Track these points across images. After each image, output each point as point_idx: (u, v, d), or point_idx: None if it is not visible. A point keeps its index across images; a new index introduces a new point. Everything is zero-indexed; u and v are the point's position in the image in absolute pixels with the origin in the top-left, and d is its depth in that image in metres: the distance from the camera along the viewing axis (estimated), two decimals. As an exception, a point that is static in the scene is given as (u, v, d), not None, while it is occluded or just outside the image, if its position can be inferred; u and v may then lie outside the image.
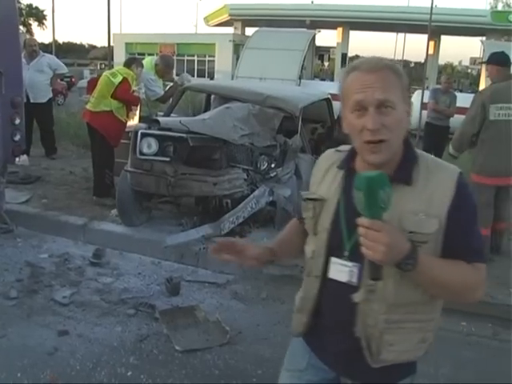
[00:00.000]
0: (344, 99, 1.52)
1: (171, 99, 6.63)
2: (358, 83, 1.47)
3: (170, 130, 4.92)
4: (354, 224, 1.37)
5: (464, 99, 9.33)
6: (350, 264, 1.53)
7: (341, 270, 1.55)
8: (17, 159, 5.63)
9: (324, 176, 1.65)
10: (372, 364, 1.54)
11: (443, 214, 1.46)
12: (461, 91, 19.04)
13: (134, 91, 6.06)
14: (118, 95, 5.86)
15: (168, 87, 6.95)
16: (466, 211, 1.49)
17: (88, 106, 6.12)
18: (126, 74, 5.93)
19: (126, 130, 5.93)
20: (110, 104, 5.89)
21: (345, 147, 1.65)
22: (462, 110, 9.06)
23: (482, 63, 5.71)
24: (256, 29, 22.90)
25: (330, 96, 6.99)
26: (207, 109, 6.59)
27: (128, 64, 6.17)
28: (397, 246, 1.34)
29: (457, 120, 9.02)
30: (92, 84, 6.65)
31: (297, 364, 1.78)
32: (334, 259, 1.57)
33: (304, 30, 25.45)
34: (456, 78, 38.35)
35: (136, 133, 4.93)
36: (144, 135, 4.90)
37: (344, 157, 1.63)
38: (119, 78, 5.88)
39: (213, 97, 6.75)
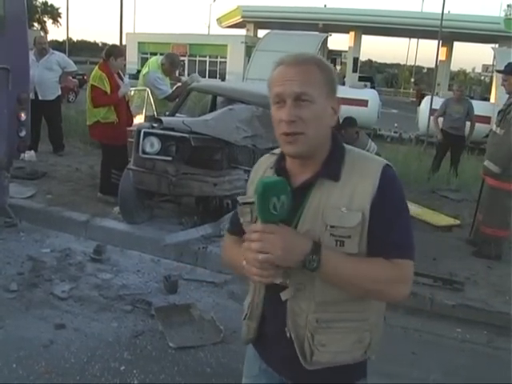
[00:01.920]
0: (269, 92, 1.54)
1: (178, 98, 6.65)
2: (280, 76, 1.48)
3: (172, 129, 4.97)
4: (288, 218, 1.39)
5: (476, 106, 9.31)
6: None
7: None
8: (24, 155, 5.71)
9: (260, 177, 1.62)
10: (307, 366, 1.51)
11: (366, 206, 1.43)
12: (472, 98, 18.98)
13: (115, 85, 5.85)
14: (94, 104, 5.83)
15: (176, 86, 6.96)
16: (389, 205, 1.45)
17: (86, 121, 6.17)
18: (93, 79, 5.81)
19: (130, 128, 5.95)
20: (95, 114, 5.87)
21: (279, 149, 1.62)
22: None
23: (497, 72, 5.68)
24: (268, 31, 22.96)
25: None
26: (212, 110, 6.63)
27: (107, 56, 5.90)
28: (295, 246, 1.35)
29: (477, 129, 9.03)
30: None
31: (251, 370, 1.77)
32: None
33: (315, 33, 25.47)
34: (468, 84, 38.21)
35: (139, 132, 4.98)
36: (147, 134, 4.95)
37: (277, 157, 1.62)
38: (89, 88, 5.86)
39: (218, 98, 6.80)
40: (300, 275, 1.44)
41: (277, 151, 1.65)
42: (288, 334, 1.51)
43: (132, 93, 6.46)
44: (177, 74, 7.41)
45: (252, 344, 1.72)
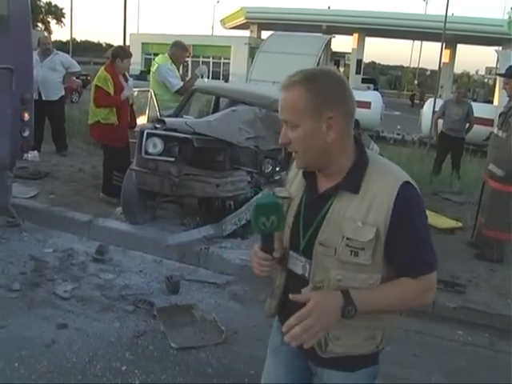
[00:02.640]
0: None
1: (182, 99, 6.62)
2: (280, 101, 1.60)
3: (175, 130, 4.98)
4: (310, 221, 1.61)
5: (478, 109, 9.30)
6: (303, 259, 1.65)
7: (296, 264, 1.68)
8: (27, 155, 5.72)
9: (296, 175, 1.76)
10: (321, 355, 1.64)
11: (381, 222, 1.51)
12: (475, 101, 18.95)
13: (119, 86, 5.87)
14: (96, 105, 5.85)
15: (187, 80, 6.88)
16: (405, 225, 1.52)
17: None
18: (98, 79, 5.83)
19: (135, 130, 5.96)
20: (97, 114, 5.89)
21: None
22: (476, 120, 9.10)
23: (498, 75, 5.69)
24: (271, 32, 22.97)
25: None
26: (216, 111, 6.64)
27: (114, 56, 5.92)
28: (331, 312, 1.48)
29: (478, 131, 9.02)
30: None
31: (274, 341, 1.90)
32: (291, 253, 1.70)
33: (319, 34, 25.46)
34: (472, 87, 38.17)
35: (142, 132, 4.99)
36: (149, 135, 4.96)
37: None
38: (93, 87, 5.88)
39: (221, 99, 6.81)
40: (319, 275, 1.59)
41: None
42: None
43: (136, 93, 6.44)
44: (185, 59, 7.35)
45: (278, 318, 1.86)
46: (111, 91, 5.79)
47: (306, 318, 1.45)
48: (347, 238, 1.52)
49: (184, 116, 6.29)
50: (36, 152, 7.41)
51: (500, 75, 5.53)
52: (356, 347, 1.64)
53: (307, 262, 1.62)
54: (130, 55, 6.14)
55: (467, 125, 8.88)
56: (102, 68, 5.96)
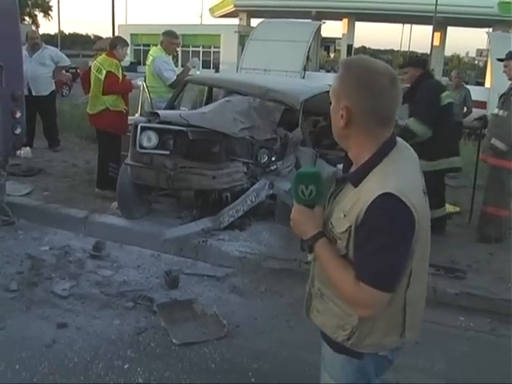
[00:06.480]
0: None
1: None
2: None
3: (169, 123, 4.92)
4: (329, 200, 1.76)
5: (470, 91, 9.28)
6: None
7: None
8: (19, 151, 5.66)
9: None
10: (307, 318, 1.85)
11: (353, 221, 1.56)
12: (466, 83, 18.88)
13: (124, 76, 5.99)
14: (107, 91, 5.81)
15: (179, 72, 6.81)
16: (365, 231, 1.53)
17: (88, 110, 6.14)
18: (109, 65, 5.83)
19: (128, 122, 5.91)
20: (104, 102, 5.85)
21: None
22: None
23: (498, 60, 5.68)
24: (261, 20, 22.80)
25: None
26: (209, 102, 6.57)
27: (113, 46, 6.00)
28: (301, 225, 1.68)
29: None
30: (85, 80, 6.54)
31: None
32: None
33: (309, 21, 25.32)
34: (462, 69, 38.11)
35: (136, 126, 4.93)
36: (144, 128, 4.91)
37: None
38: (104, 73, 5.81)
39: (215, 90, 6.74)
40: None
41: None
42: (307, 288, 1.86)
43: (140, 83, 6.37)
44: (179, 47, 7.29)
45: None
46: (121, 78, 5.87)
47: (293, 211, 1.69)
48: (331, 224, 1.65)
49: (179, 108, 6.22)
50: (28, 148, 7.35)
51: (500, 60, 5.54)
52: (329, 328, 1.74)
53: None
54: (127, 43, 6.27)
55: (465, 109, 8.88)
56: (105, 56, 5.96)
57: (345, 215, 1.58)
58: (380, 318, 1.64)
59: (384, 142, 1.61)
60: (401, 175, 1.58)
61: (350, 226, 1.55)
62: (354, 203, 1.56)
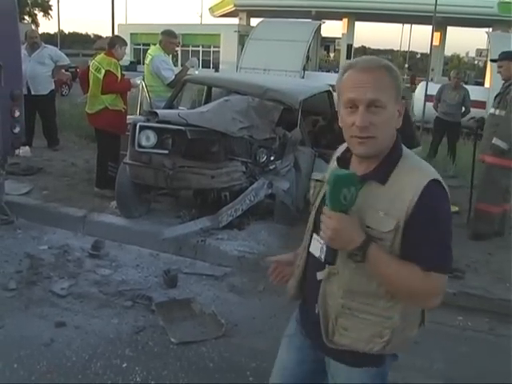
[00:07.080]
0: (339, 95, 1.61)
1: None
2: (352, 81, 1.55)
3: (168, 122, 4.92)
4: None
5: (470, 91, 9.32)
6: (322, 241, 1.62)
7: (316, 246, 1.69)
8: (18, 150, 5.66)
9: (333, 162, 1.81)
10: (328, 344, 1.67)
11: (403, 216, 1.50)
12: (466, 83, 18.90)
13: (123, 75, 5.99)
14: (105, 90, 5.81)
15: (178, 72, 6.82)
16: (426, 219, 1.50)
17: (86, 109, 6.14)
18: (108, 64, 5.83)
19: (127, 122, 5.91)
20: (103, 101, 5.85)
21: None
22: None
23: (492, 61, 5.72)
24: (261, 19, 22.79)
25: (331, 88, 6.96)
26: (208, 101, 6.57)
27: (112, 45, 6.01)
28: (346, 234, 1.50)
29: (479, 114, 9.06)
30: (83, 79, 6.56)
31: (290, 329, 1.95)
32: (314, 235, 1.71)
33: (309, 20, 25.29)
34: (462, 69, 38.12)
35: (134, 125, 4.93)
36: (142, 128, 4.91)
37: (345, 148, 1.74)
38: (103, 73, 5.81)
39: (214, 89, 6.74)
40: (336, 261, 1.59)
41: None
42: (316, 311, 1.68)
43: (139, 81, 6.38)
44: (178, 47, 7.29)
45: (299, 305, 1.92)
46: (119, 77, 5.87)
47: (329, 217, 1.51)
48: (367, 227, 1.53)
49: (178, 107, 6.22)
50: (27, 147, 7.35)
51: (493, 61, 5.55)
52: (362, 342, 1.62)
53: (325, 244, 1.61)
54: (126, 43, 6.27)
55: (463, 109, 8.93)
56: (104, 55, 5.97)
57: (385, 213, 1.52)
58: (411, 310, 1.64)
59: (397, 136, 1.63)
60: (424, 162, 1.64)
61: (398, 223, 1.51)
62: (391, 199, 1.52)
